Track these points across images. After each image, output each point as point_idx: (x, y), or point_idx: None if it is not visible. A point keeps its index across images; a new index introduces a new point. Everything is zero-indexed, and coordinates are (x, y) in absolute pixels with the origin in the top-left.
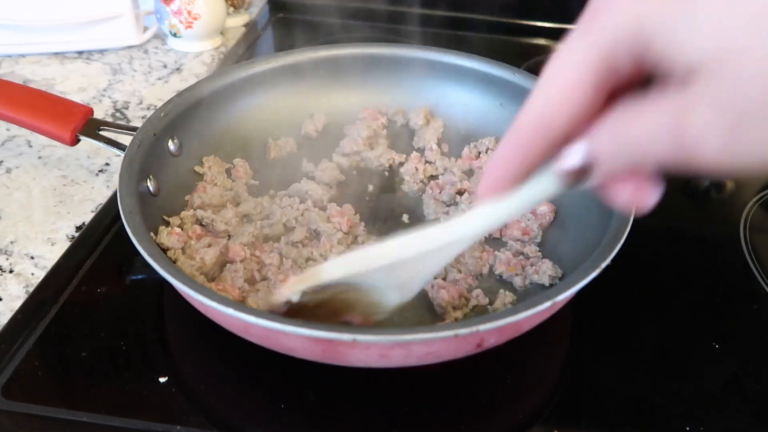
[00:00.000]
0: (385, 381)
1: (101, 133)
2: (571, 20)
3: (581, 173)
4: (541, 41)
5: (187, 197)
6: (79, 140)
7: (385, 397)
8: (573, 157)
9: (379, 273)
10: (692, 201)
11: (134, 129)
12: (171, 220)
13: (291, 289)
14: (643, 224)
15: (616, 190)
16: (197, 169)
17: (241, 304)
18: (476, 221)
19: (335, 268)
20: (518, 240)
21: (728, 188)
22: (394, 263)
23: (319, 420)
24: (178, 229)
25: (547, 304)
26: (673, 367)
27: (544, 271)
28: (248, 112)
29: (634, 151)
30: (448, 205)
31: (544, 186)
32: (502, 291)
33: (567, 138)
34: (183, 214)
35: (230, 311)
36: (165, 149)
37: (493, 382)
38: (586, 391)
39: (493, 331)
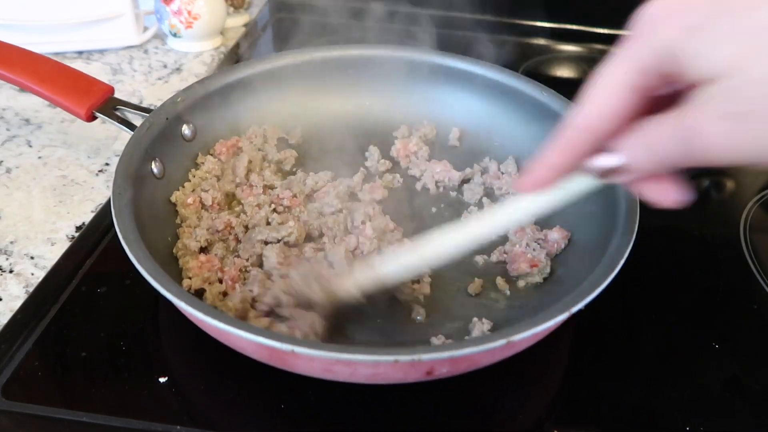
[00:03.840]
0: (386, 386)
1: (117, 113)
2: (570, 20)
3: (614, 173)
4: (541, 41)
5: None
6: (95, 117)
7: (385, 402)
8: (609, 159)
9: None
10: (692, 201)
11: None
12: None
13: (353, 285)
14: (643, 224)
15: (646, 188)
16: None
17: (194, 299)
18: (516, 212)
19: (392, 266)
20: (527, 273)
21: (728, 188)
22: (442, 257)
23: (319, 422)
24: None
25: (501, 342)
26: (673, 368)
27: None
28: (267, 105)
29: (656, 156)
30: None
31: (581, 184)
32: (482, 320)
33: (603, 142)
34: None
35: (182, 304)
36: (178, 134)
37: (494, 387)
38: (587, 391)
39: (443, 361)
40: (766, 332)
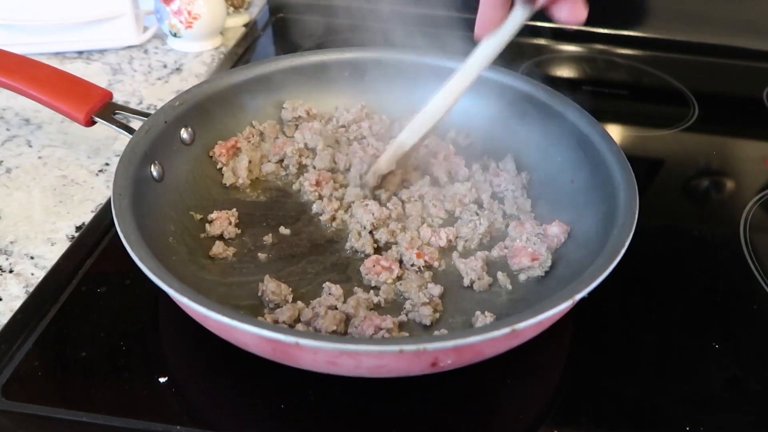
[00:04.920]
0: (386, 383)
1: (116, 117)
2: None
3: (533, 1)
4: (541, 41)
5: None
6: (94, 122)
7: (386, 399)
8: None
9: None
10: (692, 201)
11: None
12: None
13: (386, 164)
14: (643, 224)
15: (557, 11)
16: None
17: (197, 295)
18: (484, 53)
19: (411, 137)
20: (528, 267)
21: (728, 188)
22: (443, 114)
23: (319, 421)
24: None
25: (506, 330)
26: (673, 368)
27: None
28: (266, 108)
29: None
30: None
31: (517, 15)
32: (485, 313)
33: None
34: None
35: (184, 300)
36: (177, 137)
37: (494, 384)
38: (587, 391)
39: (448, 351)
40: (766, 332)
